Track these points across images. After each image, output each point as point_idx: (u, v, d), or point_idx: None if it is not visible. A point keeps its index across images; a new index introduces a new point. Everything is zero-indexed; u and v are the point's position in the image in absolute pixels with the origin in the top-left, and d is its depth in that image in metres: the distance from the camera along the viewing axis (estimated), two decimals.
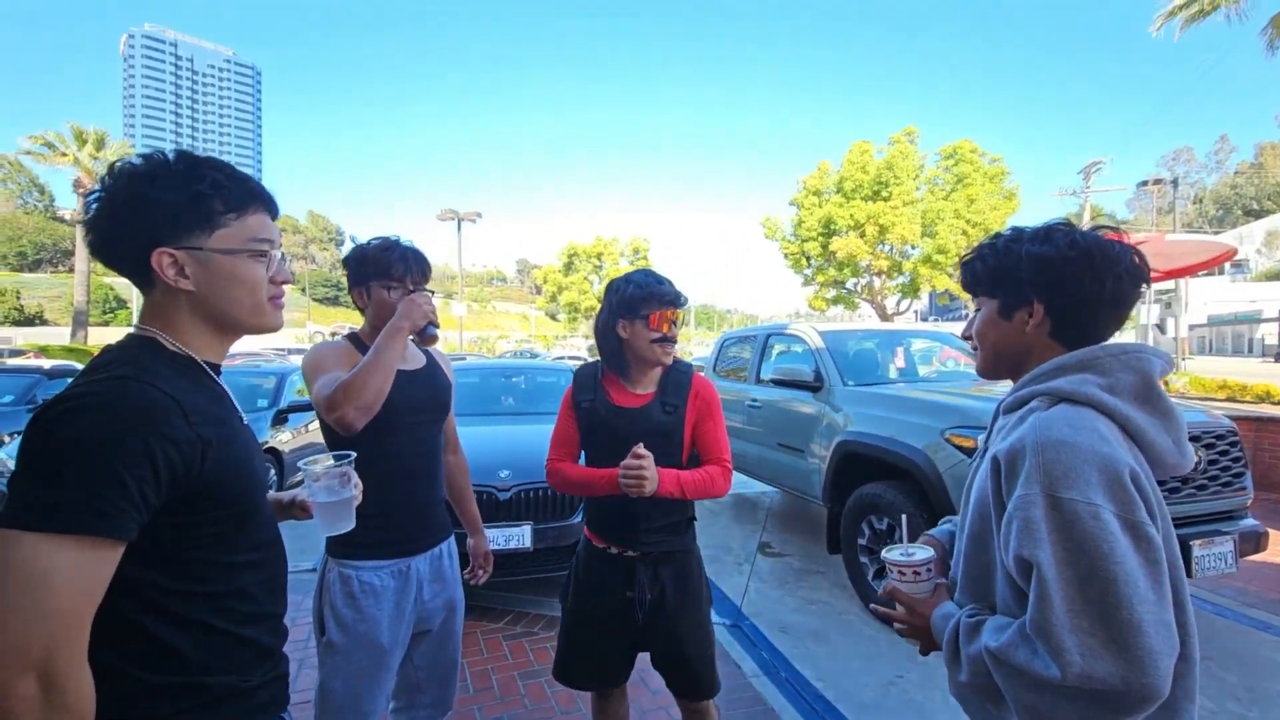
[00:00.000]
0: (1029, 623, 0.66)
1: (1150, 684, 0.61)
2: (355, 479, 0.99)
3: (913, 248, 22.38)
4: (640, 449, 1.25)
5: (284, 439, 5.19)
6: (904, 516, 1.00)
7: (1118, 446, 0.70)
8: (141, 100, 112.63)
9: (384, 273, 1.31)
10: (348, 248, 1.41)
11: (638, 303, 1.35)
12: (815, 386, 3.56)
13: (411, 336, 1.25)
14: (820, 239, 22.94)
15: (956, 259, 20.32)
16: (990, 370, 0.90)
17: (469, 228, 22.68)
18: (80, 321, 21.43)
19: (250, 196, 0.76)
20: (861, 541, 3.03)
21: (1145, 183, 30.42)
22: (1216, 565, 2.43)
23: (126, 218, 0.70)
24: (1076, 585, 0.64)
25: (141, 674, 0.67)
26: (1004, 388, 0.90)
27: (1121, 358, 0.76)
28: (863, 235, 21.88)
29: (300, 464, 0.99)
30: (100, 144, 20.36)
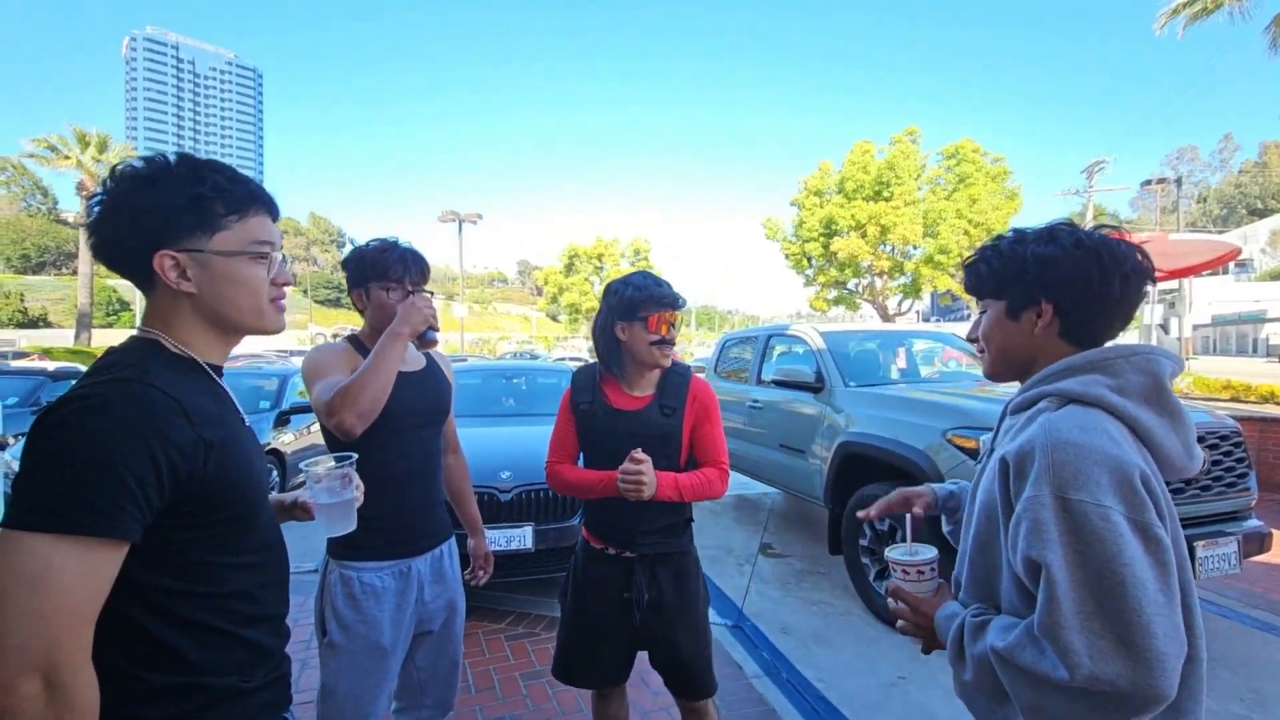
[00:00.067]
0: (1037, 624, 0.66)
1: (1158, 686, 0.61)
2: (357, 480, 1.00)
3: (914, 248, 22.35)
4: (638, 453, 1.26)
5: (286, 440, 5.20)
6: (908, 516, 1.00)
7: (1128, 448, 0.70)
8: (144, 103, 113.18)
9: (382, 274, 1.31)
10: (348, 250, 1.41)
11: (636, 305, 1.35)
12: (816, 387, 3.56)
13: (411, 340, 1.25)
14: (821, 239, 22.92)
15: (958, 259, 20.35)
16: (998, 372, 0.90)
17: (470, 229, 22.73)
18: (84, 324, 21.54)
19: (251, 199, 0.76)
20: (863, 542, 3.02)
21: (1149, 182, 30.34)
22: (1220, 566, 2.42)
23: (128, 221, 0.71)
24: (1086, 587, 0.64)
25: (145, 674, 0.67)
26: (1006, 388, 0.89)
27: (1132, 359, 0.76)
28: (864, 235, 21.85)
29: (302, 465, 0.99)
30: (103, 147, 20.47)
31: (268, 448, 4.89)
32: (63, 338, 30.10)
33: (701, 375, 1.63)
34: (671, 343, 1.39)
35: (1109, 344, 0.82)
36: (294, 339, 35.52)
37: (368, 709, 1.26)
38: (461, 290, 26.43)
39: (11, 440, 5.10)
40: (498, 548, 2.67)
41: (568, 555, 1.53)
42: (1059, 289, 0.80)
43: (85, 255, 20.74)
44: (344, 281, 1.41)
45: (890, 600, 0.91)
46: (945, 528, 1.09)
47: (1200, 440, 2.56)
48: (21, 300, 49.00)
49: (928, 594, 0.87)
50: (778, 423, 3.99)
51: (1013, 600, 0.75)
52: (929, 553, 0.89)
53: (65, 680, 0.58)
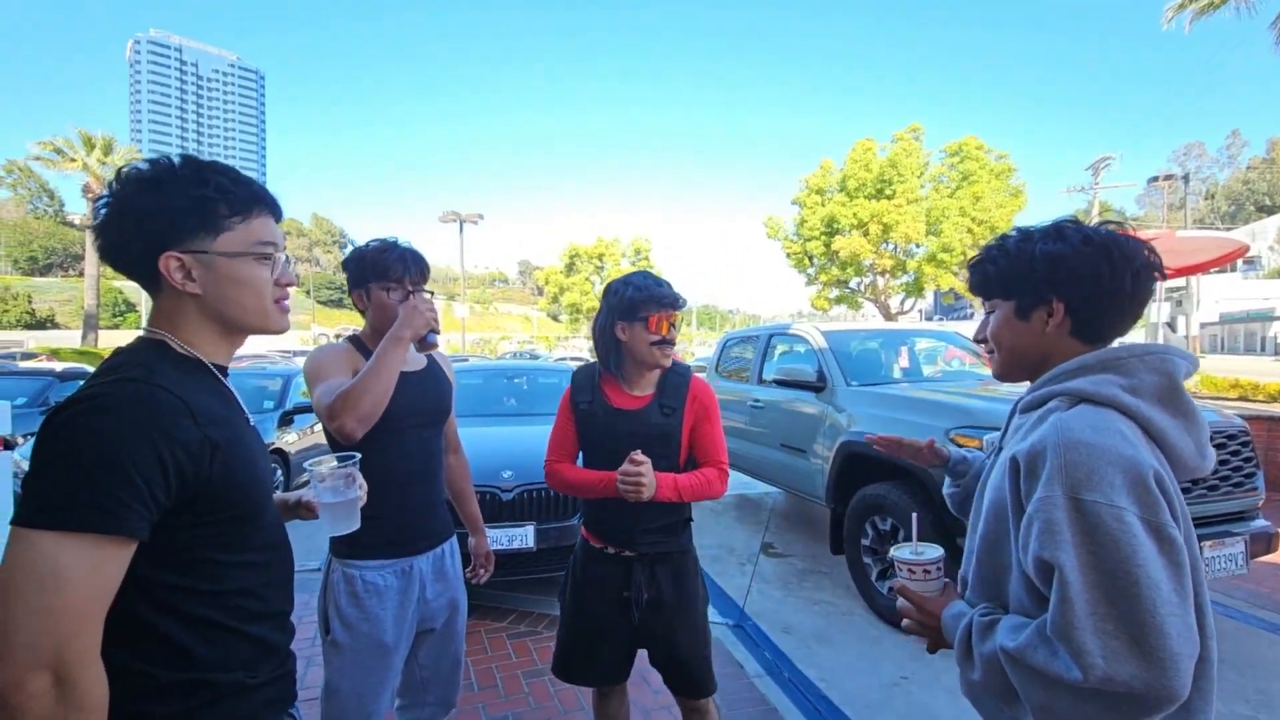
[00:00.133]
0: (1050, 625, 0.66)
1: (1171, 686, 0.61)
2: (360, 480, 1.00)
3: (917, 246, 22.24)
4: (638, 455, 1.26)
5: (290, 440, 5.23)
6: (914, 515, 1.00)
7: (1141, 448, 0.70)
8: (148, 105, 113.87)
9: (382, 274, 1.32)
10: (349, 250, 1.42)
11: (637, 305, 1.36)
12: (818, 387, 3.55)
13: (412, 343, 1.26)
14: (823, 238, 22.84)
15: (961, 258, 20.26)
16: (1009, 373, 0.89)
17: (471, 229, 22.77)
18: (90, 325, 21.69)
19: (254, 200, 0.77)
20: (865, 542, 3.01)
21: (1156, 178, 30.12)
22: (1227, 566, 2.41)
23: (134, 223, 0.72)
24: (1100, 588, 0.64)
25: (152, 671, 0.68)
26: (1009, 387, 0.89)
27: (1146, 358, 0.76)
28: (866, 234, 21.76)
29: (306, 465, 1.00)
30: (108, 149, 20.61)
31: (272, 447, 4.92)
32: (70, 339, 30.33)
33: (702, 375, 1.63)
34: (672, 343, 1.39)
35: (1121, 343, 0.82)
36: (297, 339, 35.68)
37: (371, 706, 1.27)
38: (463, 290, 26.51)
39: (20, 440, 5.15)
40: (500, 547, 2.68)
41: (569, 554, 1.54)
42: (1069, 287, 0.79)
43: (92, 257, 20.90)
44: (346, 282, 1.42)
45: (897, 599, 0.92)
46: (947, 489, 1.10)
47: None
48: (29, 302, 49.41)
49: (934, 593, 0.87)
50: (779, 422, 3.98)
51: (1021, 599, 0.75)
52: (935, 552, 0.89)
53: (75, 677, 0.59)
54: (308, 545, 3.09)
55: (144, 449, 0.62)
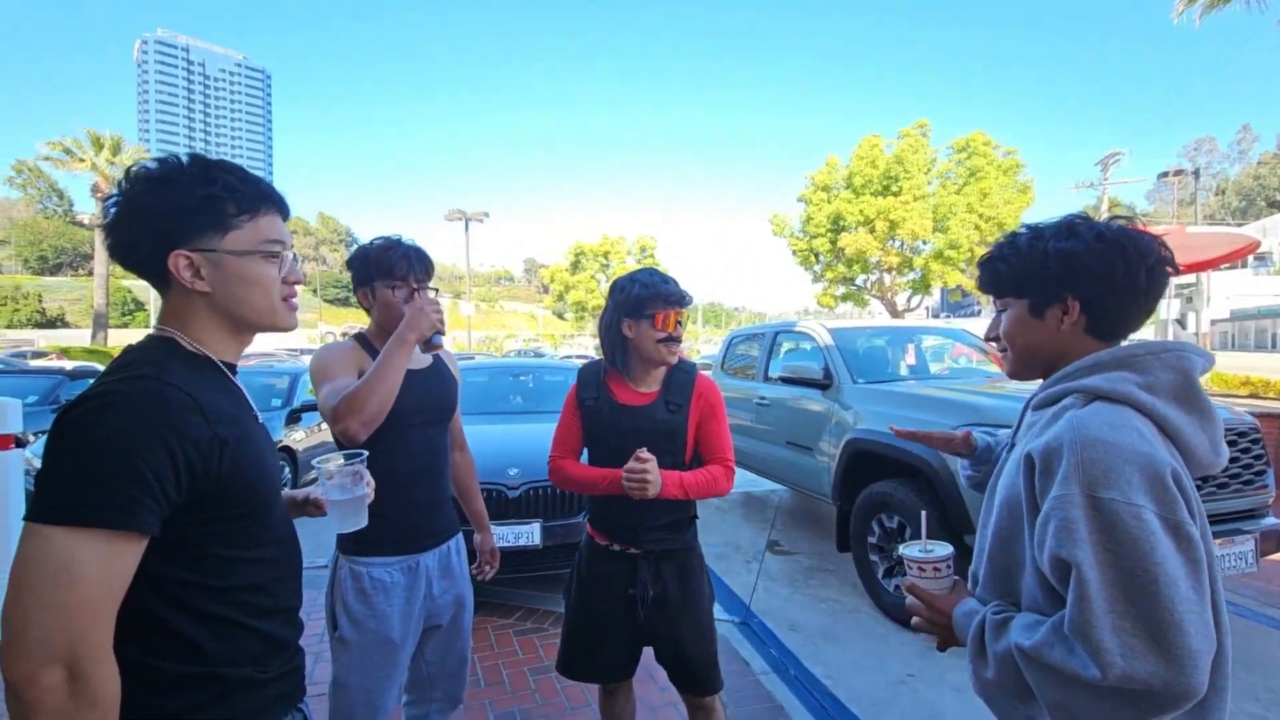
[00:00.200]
0: (1068, 623, 0.66)
1: (1190, 683, 0.61)
2: (368, 477, 1.01)
3: (924, 243, 22.07)
4: (643, 452, 1.26)
5: (298, 437, 5.27)
6: (923, 513, 0.99)
7: (1158, 446, 0.69)
8: (155, 105, 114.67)
9: (387, 272, 1.32)
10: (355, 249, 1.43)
11: (643, 302, 1.35)
12: (824, 384, 3.54)
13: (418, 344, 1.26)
14: (829, 235, 22.71)
15: (969, 254, 20.11)
16: (1022, 372, 0.88)
17: (476, 227, 22.79)
18: (100, 323, 21.92)
19: (262, 198, 0.77)
20: (871, 540, 3.01)
21: (1166, 174, 29.74)
22: (1237, 564, 2.38)
23: (143, 221, 0.72)
24: (1118, 586, 0.63)
25: (162, 665, 0.69)
26: (1017, 384, 0.89)
27: (1162, 356, 0.75)
28: (872, 231, 21.61)
29: (314, 462, 1.00)
30: (116, 149, 20.76)
31: (280, 445, 4.96)
32: (80, 337, 30.67)
33: (707, 373, 1.63)
34: (678, 340, 1.39)
35: (1136, 340, 0.81)
36: (304, 337, 35.94)
37: (378, 701, 1.28)
38: (468, 288, 26.60)
39: (32, 438, 5.21)
40: (506, 544, 2.69)
41: (575, 551, 1.54)
42: (1084, 284, 0.79)
43: (101, 256, 21.10)
44: (351, 280, 1.42)
45: (905, 597, 0.91)
46: (966, 471, 1.11)
47: None
48: (39, 301, 49.98)
49: (944, 591, 0.87)
50: (785, 420, 3.97)
51: (1035, 597, 0.75)
52: (944, 549, 0.88)
53: (87, 672, 0.60)
54: (315, 542, 3.11)
55: (155, 445, 0.63)
